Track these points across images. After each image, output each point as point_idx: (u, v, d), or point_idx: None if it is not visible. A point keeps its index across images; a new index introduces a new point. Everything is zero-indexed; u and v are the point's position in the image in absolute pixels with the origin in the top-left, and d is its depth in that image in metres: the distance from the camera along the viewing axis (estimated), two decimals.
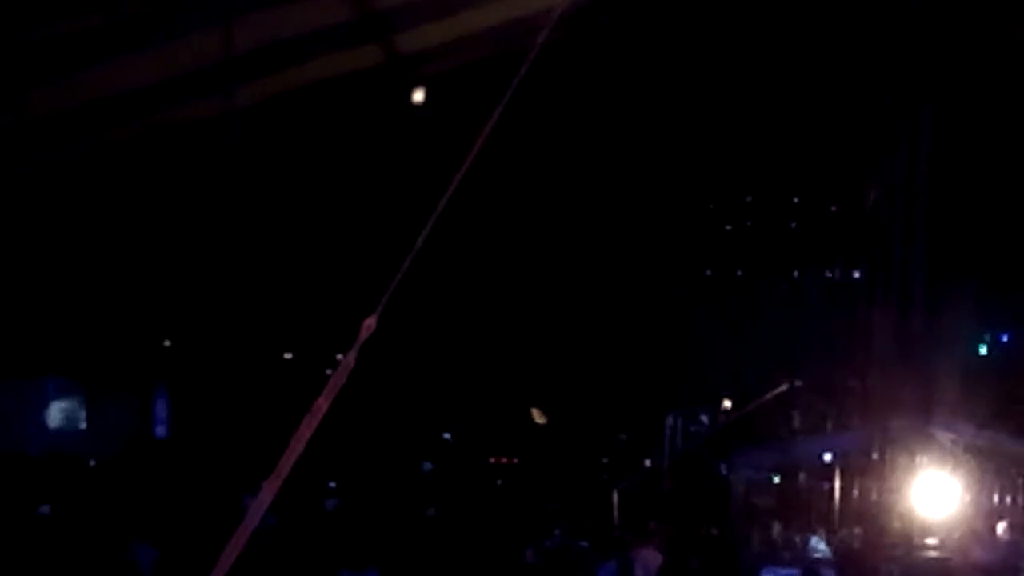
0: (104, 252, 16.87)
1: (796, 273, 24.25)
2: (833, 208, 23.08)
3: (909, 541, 18.35)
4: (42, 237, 15.62)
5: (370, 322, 3.97)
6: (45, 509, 16.63)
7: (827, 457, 21.37)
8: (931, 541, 18.83)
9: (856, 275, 23.50)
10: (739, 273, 24.68)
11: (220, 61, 12.56)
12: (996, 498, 20.37)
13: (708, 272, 24.80)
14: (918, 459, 19.77)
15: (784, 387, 24.06)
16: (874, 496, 18.69)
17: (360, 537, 17.25)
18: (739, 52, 18.16)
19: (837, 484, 20.26)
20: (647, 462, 23.65)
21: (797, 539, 19.18)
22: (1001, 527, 19.65)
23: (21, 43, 11.29)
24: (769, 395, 24.05)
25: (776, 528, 19.78)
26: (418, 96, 13.90)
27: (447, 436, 24.01)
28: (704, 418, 24.86)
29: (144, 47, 12.23)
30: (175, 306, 19.14)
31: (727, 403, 25.08)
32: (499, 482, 22.90)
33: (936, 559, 18.16)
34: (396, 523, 18.26)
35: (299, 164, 15.86)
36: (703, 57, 17.46)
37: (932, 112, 18.21)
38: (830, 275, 23.96)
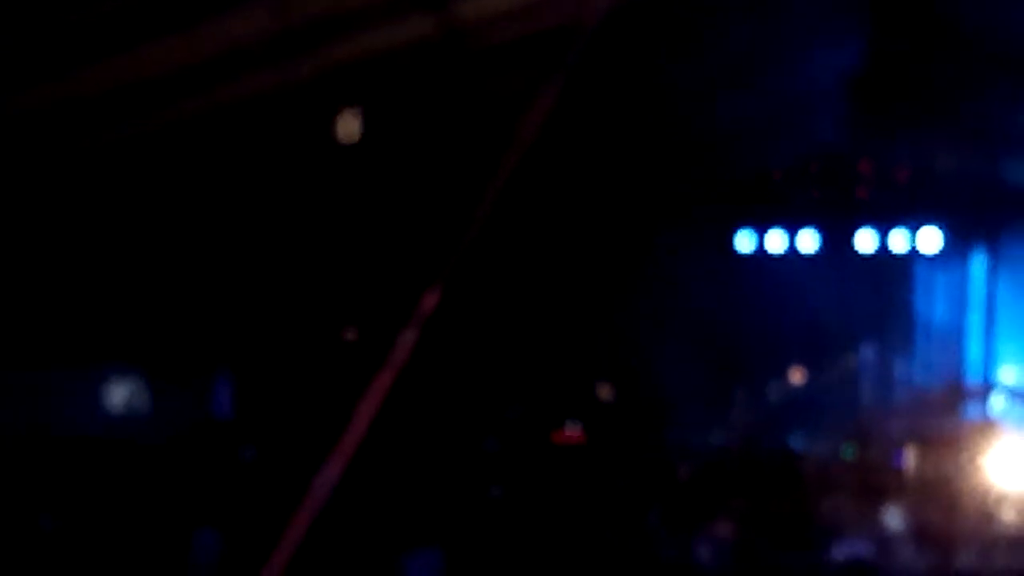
0: (163, 235, 16.77)
1: (864, 241, 23.80)
2: (905, 173, 22.62)
3: (987, 514, 17.98)
4: (100, 221, 15.51)
5: (431, 297, 3.76)
6: (103, 493, 16.65)
7: (900, 428, 21.00)
8: (1010, 514, 18.44)
9: (926, 241, 23.13)
10: (805, 243, 24.22)
11: (273, 35, 12.39)
12: None
13: (772, 243, 24.37)
14: (996, 428, 19.40)
15: (854, 358, 23.72)
16: (951, 468, 18.35)
17: (423, 517, 17.11)
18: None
19: (912, 456, 19.86)
20: (716, 437, 23.37)
21: (871, 513, 18.83)
22: None
23: (70, 21, 11.16)
24: (839, 366, 23.73)
25: (849, 503, 19.43)
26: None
27: (512, 414, 23.81)
28: (774, 390, 24.54)
29: (196, 23, 12.08)
30: (236, 288, 19.03)
31: (797, 375, 24.73)
32: (565, 460, 22.68)
33: (1015, 532, 17.80)
34: (459, 503, 18.12)
35: (357, 139, 15.61)
36: (770, 20, 17.06)
37: None
38: (900, 242, 23.51)
